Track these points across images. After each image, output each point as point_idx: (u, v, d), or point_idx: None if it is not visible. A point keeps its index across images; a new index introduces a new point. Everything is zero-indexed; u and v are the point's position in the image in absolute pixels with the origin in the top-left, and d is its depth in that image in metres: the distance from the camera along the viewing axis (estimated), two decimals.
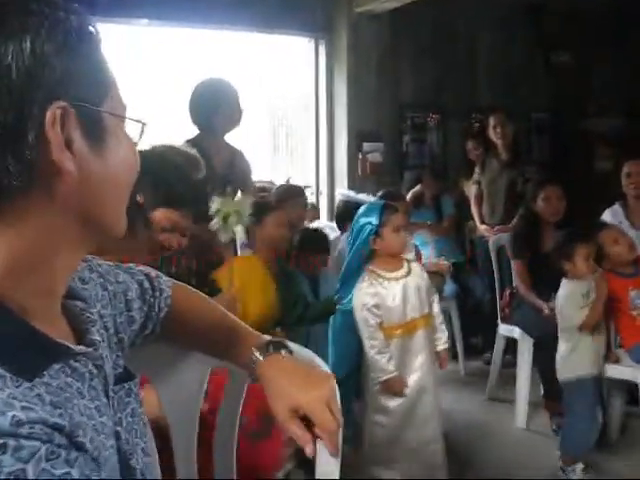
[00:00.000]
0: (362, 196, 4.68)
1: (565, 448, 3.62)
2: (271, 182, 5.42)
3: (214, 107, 3.78)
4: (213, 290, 2.81)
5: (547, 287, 4.06)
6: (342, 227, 4.72)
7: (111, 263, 1.25)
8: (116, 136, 0.91)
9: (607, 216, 4.46)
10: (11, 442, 0.70)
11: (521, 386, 4.26)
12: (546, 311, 4.04)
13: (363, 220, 3.35)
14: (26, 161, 0.80)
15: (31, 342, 0.83)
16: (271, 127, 6.75)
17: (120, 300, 1.22)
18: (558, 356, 3.64)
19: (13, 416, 0.72)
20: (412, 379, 3.25)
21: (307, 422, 1.25)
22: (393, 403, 3.23)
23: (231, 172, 3.82)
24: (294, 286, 3.47)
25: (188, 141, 3.80)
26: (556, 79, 7.17)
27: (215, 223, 2.77)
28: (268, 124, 6.73)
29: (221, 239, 2.85)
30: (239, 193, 3.67)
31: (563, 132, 7.39)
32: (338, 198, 4.71)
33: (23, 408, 0.74)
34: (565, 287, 3.66)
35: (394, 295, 3.25)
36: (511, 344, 4.58)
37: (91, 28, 0.88)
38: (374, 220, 3.28)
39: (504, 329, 4.56)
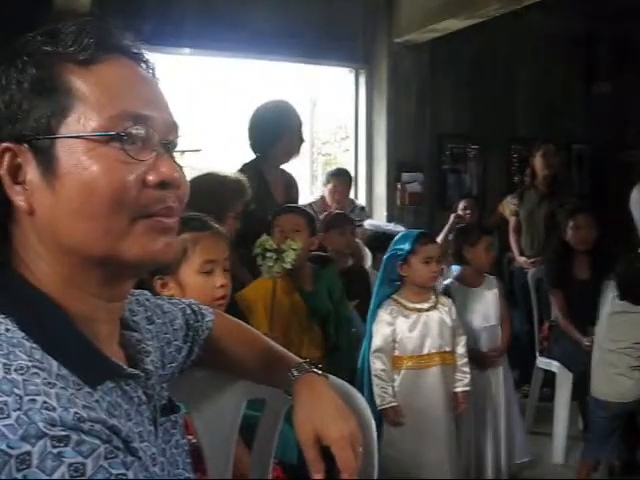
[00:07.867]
0: (391, 226, 4.68)
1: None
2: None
3: (276, 135, 3.63)
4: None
5: (584, 318, 4.01)
6: (373, 257, 4.70)
7: (150, 295, 1.29)
8: (76, 160, 0.87)
9: None
10: (74, 436, 0.73)
11: (559, 421, 4.18)
12: (586, 343, 3.99)
13: (395, 247, 3.32)
14: None
15: (89, 354, 0.89)
16: (310, 156, 6.78)
17: (167, 331, 1.26)
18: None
19: (75, 412, 0.75)
20: (423, 416, 3.18)
21: (325, 450, 1.24)
22: (402, 439, 3.14)
23: (288, 201, 3.71)
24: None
25: (246, 164, 3.69)
26: (596, 109, 7.11)
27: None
28: (307, 153, 6.77)
29: (263, 274, 2.83)
30: None
31: (602, 163, 7.32)
32: (367, 229, 4.70)
33: (84, 407, 0.78)
34: None
35: (411, 326, 3.20)
36: (549, 377, 4.51)
37: None
38: (406, 247, 3.24)
39: (542, 362, 4.50)
